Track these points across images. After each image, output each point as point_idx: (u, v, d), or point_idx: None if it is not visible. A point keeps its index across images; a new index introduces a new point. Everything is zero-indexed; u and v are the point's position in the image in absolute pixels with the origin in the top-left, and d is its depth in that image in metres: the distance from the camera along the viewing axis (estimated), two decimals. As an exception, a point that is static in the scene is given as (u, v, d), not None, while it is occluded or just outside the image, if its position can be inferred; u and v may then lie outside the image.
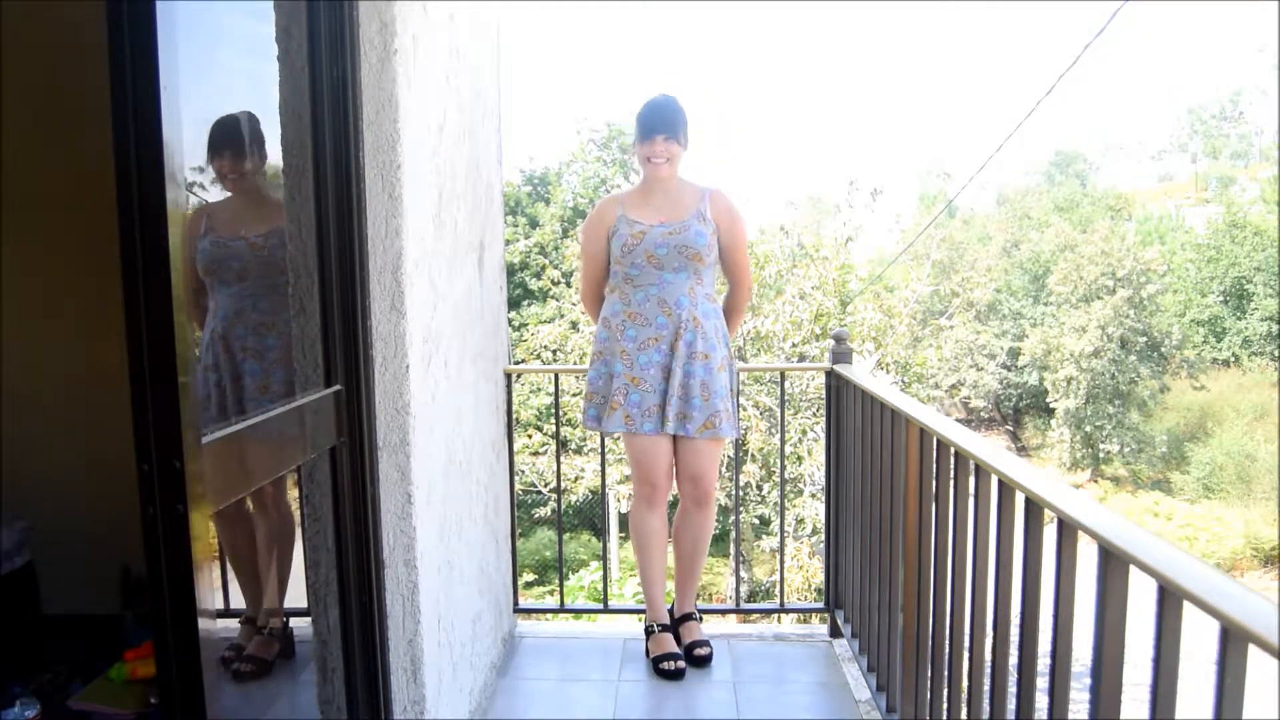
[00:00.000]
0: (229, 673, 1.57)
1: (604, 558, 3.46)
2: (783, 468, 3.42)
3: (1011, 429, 25.58)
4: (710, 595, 12.72)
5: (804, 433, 9.67)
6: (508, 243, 15.45)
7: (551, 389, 3.72)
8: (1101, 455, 21.62)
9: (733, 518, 3.65)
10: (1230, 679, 0.92)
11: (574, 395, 9.91)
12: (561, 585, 3.24)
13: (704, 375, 2.55)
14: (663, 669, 2.58)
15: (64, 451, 2.72)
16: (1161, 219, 30.86)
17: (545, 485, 11.73)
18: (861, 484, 2.48)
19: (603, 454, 3.28)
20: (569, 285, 12.40)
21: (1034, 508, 1.35)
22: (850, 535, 2.68)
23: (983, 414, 25.24)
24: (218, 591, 1.28)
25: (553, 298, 12.79)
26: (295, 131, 1.56)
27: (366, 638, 1.72)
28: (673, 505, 2.75)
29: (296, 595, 1.69)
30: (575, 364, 9.97)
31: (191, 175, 1.29)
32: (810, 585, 9.19)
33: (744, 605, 3.52)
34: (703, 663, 2.66)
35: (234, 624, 1.70)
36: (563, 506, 3.48)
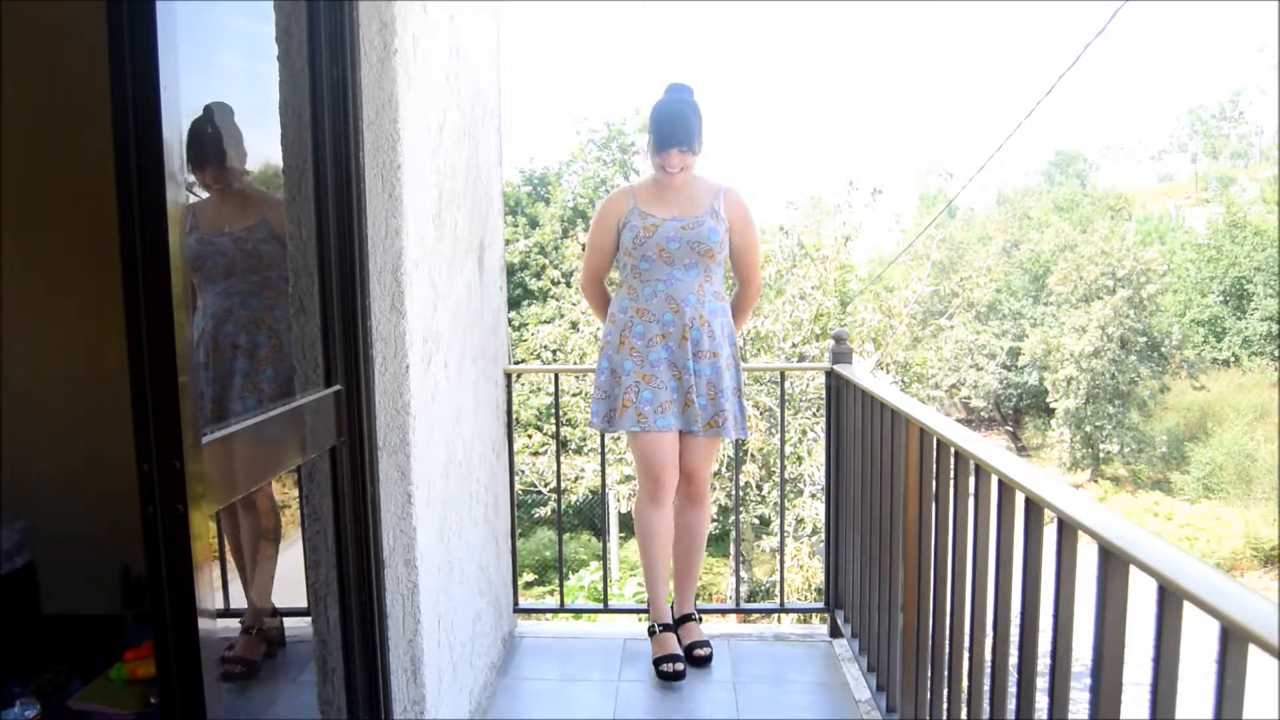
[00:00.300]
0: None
1: (604, 558, 3.45)
2: (783, 468, 3.42)
3: (1011, 429, 25.58)
4: (710, 595, 12.72)
5: (804, 433, 9.68)
6: (508, 243, 15.47)
7: (551, 389, 3.72)
8: (1101, 455, 21.62)
9: (733, 518, 3.65)
10: (1230, 679, 0.92)
11: (574, 395, 9.91)
12: (561, 585, 3.24)
13: (710, 374, 2.55)
14: (664, 670, 2.58)
15: (64, 451, 2.72)
16: (1161, 219, 30.88)
17: (545, 485, 11.74)
18: (861, 484, 2.48)
19: (603, 454, 3.28)
20: (569, 285, 12.39)
21: (1034, 508, 1.35)
22: (850, 535, 2.68)
23: (983, 414, 25.25)
24: (218, 591, 1.28)
25: (553, 298, 12.78)
26: (295, 131, 1.56)
27: (366, 638, 1.72)
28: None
29: (296, 595, 1.69)
30: (575, 364, 9.97)
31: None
32: (810, 585, 9.19)
33: (744, 605, 3.52)
34: (703, 663, 2.66)
35: (234, 624, 1.70)
36: (563, 506, 3.47)
